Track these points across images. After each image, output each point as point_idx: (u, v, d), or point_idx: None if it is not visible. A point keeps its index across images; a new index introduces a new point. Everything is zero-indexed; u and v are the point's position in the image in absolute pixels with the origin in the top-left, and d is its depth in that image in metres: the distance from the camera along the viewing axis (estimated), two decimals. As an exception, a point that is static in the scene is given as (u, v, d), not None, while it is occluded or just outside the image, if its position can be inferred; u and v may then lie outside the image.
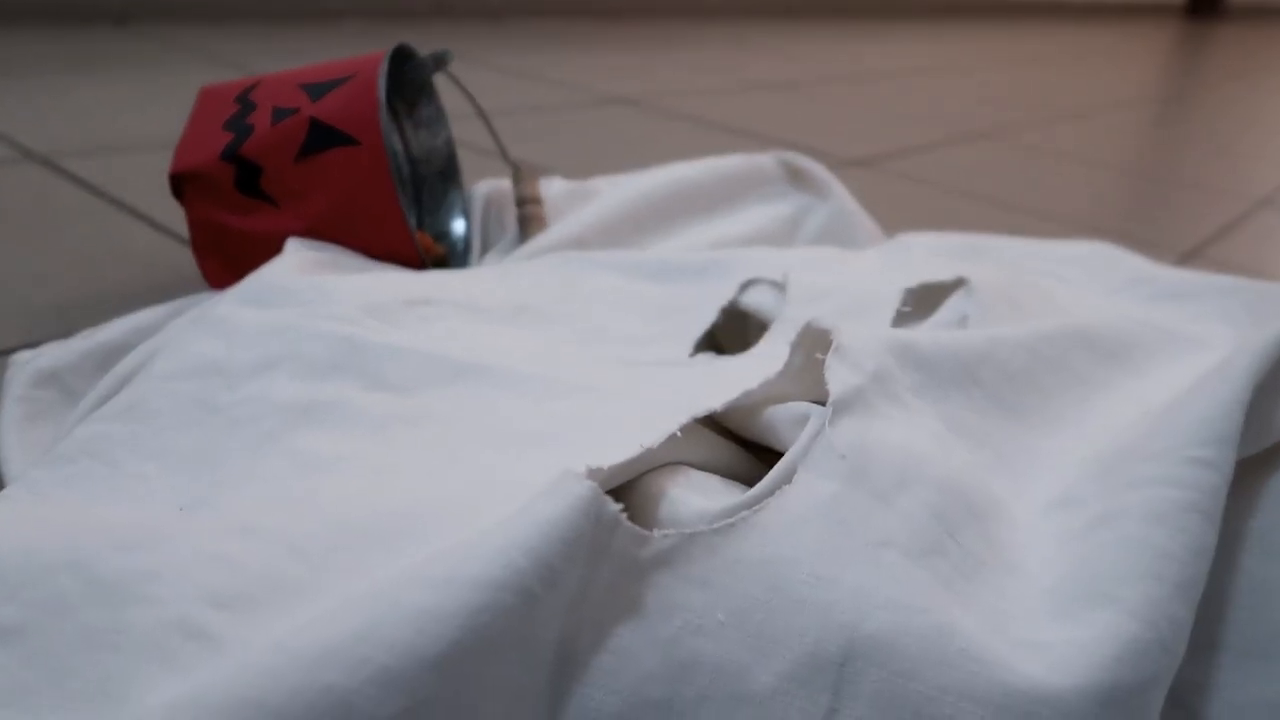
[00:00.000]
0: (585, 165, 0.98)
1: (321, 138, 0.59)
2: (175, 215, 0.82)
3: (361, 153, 0.59)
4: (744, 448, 0.42)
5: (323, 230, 0.60)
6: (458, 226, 0.72)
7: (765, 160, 0.79)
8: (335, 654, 0.24)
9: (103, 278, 0.70)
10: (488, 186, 0.73)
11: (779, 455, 0.41)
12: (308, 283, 0.49)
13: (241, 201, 0.60)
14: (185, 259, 0.74)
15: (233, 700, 0.23)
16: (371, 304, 0.48)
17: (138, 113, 1.12)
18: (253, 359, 0.44)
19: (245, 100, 0.62)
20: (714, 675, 0.29)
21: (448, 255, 0.70)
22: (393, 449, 0.38)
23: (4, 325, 0.62)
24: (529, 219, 0.71)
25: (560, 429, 0.39)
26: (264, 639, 0.26)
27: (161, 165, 0.93)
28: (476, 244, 0.71)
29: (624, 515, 0.29)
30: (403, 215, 0.60)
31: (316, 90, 0.61)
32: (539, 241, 0.67)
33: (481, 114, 0.72)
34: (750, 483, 0.38)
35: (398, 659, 0.24)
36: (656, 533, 0.30)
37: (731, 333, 0.58)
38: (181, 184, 0.61)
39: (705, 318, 0.55)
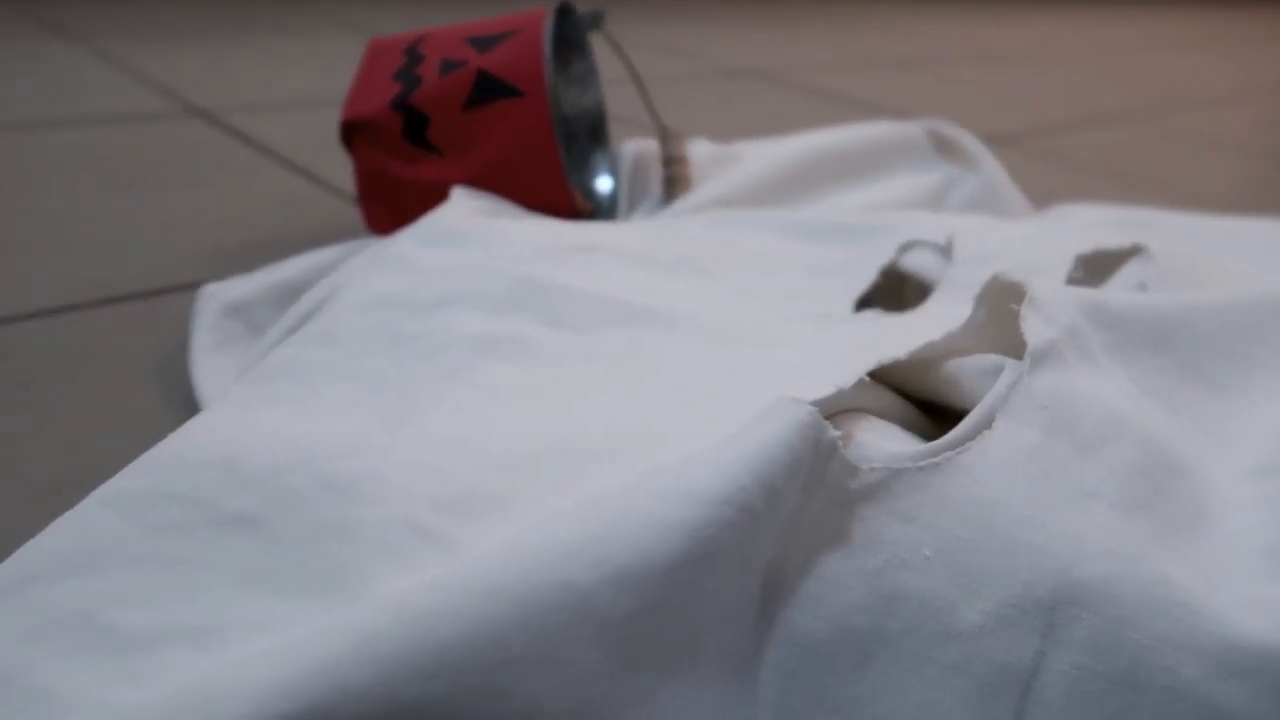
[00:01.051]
0: (713, 136, 0.98)
1: (488, 89, 0.60)
2: (324, 166, 0.85)
3: (527, 104, 0.60)
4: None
5: (484, 180, 0.61)
6: (604, 185, 0.73)
7: (912, 129, 0.78)
8: (573, 552, 0.25)
9: (260, 223, 0.73)
10: (634, 147, 0.74)
11: (949, 413, 0.41)
12: (483, 226, 0.50)
13: (407, 150, 0.62)
14: (335, 206, 0.77)
15: (474, 588, 0.24)
16: (544, 248, 0.49)
17: (287, 74, 1.16)
18: (435, 294, 0.45)
19: (413, 53, 0.64)
20: (919, 610, 0.29)
21: (594, 214, 0.71)
22: (577, 383, 0.39)
23: (176, 264, 0.66)
24: (675, 180, 0.71)
25: (741, 371, 0.39)
26: (494, 539, 0.27)
27: (308, 121, 0.96)
28: (623, 203, 0.72)
29: (841, 443, 0.29)
30: (563, 168, 0.61)
31: (483, 43, 0.62)
32: (686, 202, 0.67)
33: (633, 73, 0.72)
34: (925, 438, 0.38)
35: (633, 561, 0.25)
36: (865, 465, 0.30)
37: (886, 295, 0.57)
38: (351, 132, 0.63)
39: (865, 278, 0.54)
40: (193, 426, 0.35)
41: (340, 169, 0.85)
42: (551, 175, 0.61)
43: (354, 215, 0.75)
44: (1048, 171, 1.06)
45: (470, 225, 0.51)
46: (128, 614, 0.28)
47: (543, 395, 0.38)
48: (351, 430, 0.35)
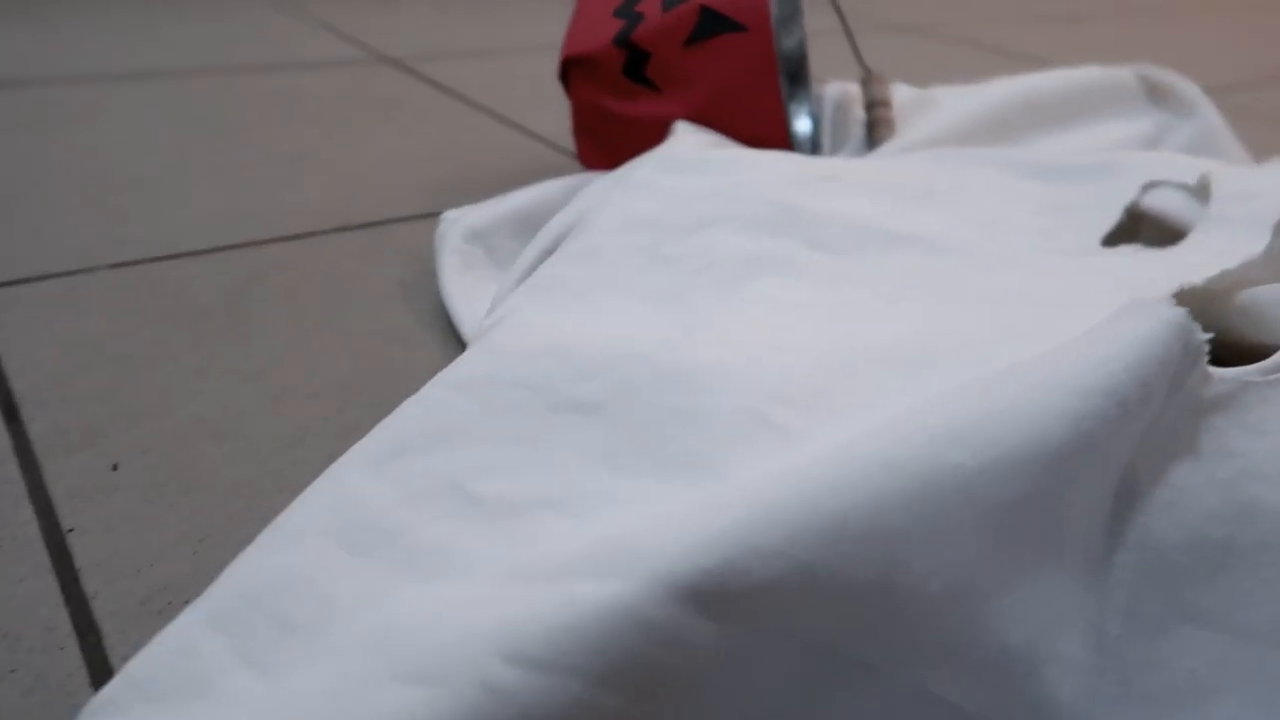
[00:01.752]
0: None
1: (711, 24, 0.60)
2: (513, 108, 0.87)
3: (749, 40, 0.60)
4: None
5: (701, 117, 0.62)
6: (804, 127, 0.72)
7: (1123, 74, 0.75)
8: (963, 436, 0.25)
9: (466, 162, 0.75)
10: (837, 89, 0.73)
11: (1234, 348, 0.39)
12: (724, 156, 0.51)
13: (626, 87, 0.63)
14: (536, 150, 0.79)
15: (875, 461, 0.24)
16: (791, 175, 0.49)
17: (467, 27, 1.19)
18: (691, 218, 0.46)
19: (632, -11, 0.64)
20: (1274, 522, 0.28)
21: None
22: (861, 297, 0.39)
23: (399, 198, 0.68)
24: (878, 122, 0.70)
25: (1030, 292, 0.39)
26: (876, 422, 0.27)
27: (490, 69, 0.98)
28: (824, 146, 0.71)
29: (1208, 346, 0.29)
30: (782, 103, 0.61)
31: (705, -21, 0.62)
32: (893, 145, 0.66)
33: (841, 17, 0.71)
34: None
35: (1019, 448, 0.25)
36: (1216, 374, 0.29)
37: (1120, 237, 0.56)
38: (570, 69, 0.64)
39: (1108, 216, 0.53)
40: (509, 325, 0.36)
41: (534, 113, 0.86)
42: (771, 112, 0.61)
43: (553, 158, 0.77)
44: (1243, 129, 1.01)
45: (710, 155, 0.51)
46: (492, 484, 0.29)
47: (830, 308, 0.38)
48: (663, 331, 0.36)
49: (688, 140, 0.56)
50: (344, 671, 0.24)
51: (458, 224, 0.55)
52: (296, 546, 0.28)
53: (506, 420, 0.31)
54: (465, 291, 0.52)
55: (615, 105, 0.63)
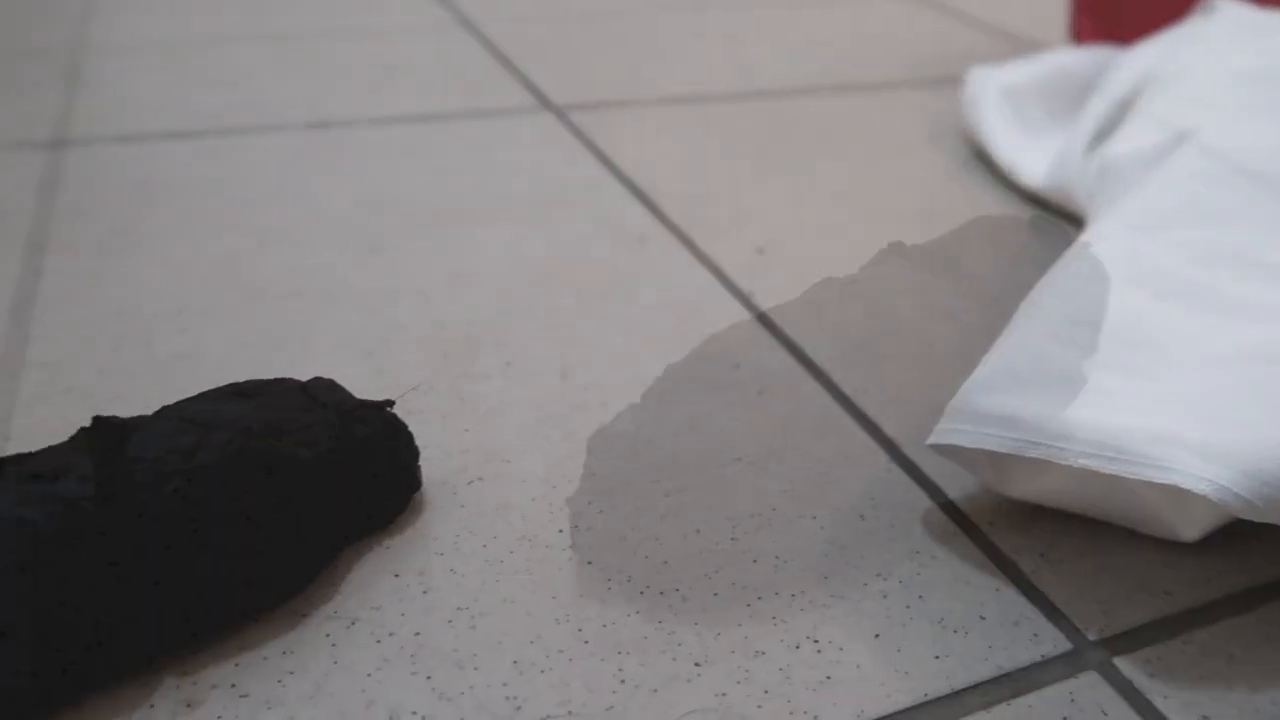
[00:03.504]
0: None
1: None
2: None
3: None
4: None
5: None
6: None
7: None
8: None
9: (927, 43, 0.76)
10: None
11: None
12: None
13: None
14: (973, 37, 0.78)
15: None
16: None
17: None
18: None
19: None
20: None
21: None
22: None
23: (884, 66, 0.70)
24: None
25: None
26: None
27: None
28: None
29: None
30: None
31: None
32: None
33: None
34: None
35: None
36: None
37: None
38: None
39: None
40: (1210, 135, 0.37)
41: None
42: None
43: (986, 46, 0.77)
44: None
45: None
46: (1276, 254, 0.31)
47: None
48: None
49: (1234, 10, 0.55)
50: (1217, 382, 0.26)
51: (989, 81, 0.57)
52: (1100, 285, 0.30)
53: (1258, 209, 0.32)
54: (1014, 142, 0.53)
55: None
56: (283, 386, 0.28)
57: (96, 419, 0.24)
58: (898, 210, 0.49)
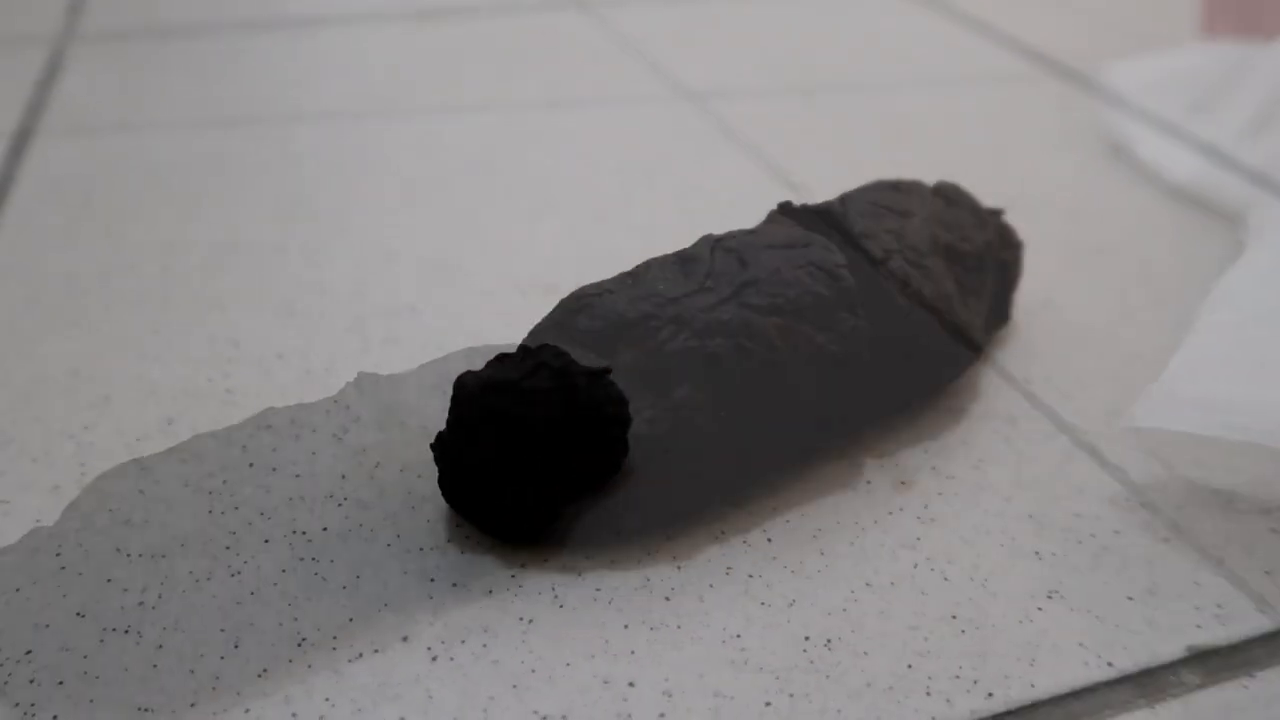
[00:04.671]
0: None
1: None
2: None
3: None
4: None
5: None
6: None
7: None
8: None
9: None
10: None
11: None
12: None
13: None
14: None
15: None
16: None
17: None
18: None
19: None
20: None
21: None
22: None
23: (977, 55, 0.70)
24: None
25: None
26: None
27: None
28: None
29: None
30: None
31: None
32: None
33: None
34: None
35: None
36: None
37: None
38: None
39: None
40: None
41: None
42: None
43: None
44: None
45: None
46: None
47: None
48: None
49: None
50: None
51: (1129, 76, 0.57)
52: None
53: None
54: (1157, 138, 0.53)
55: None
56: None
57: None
58: (1049, 206, 0.49)
